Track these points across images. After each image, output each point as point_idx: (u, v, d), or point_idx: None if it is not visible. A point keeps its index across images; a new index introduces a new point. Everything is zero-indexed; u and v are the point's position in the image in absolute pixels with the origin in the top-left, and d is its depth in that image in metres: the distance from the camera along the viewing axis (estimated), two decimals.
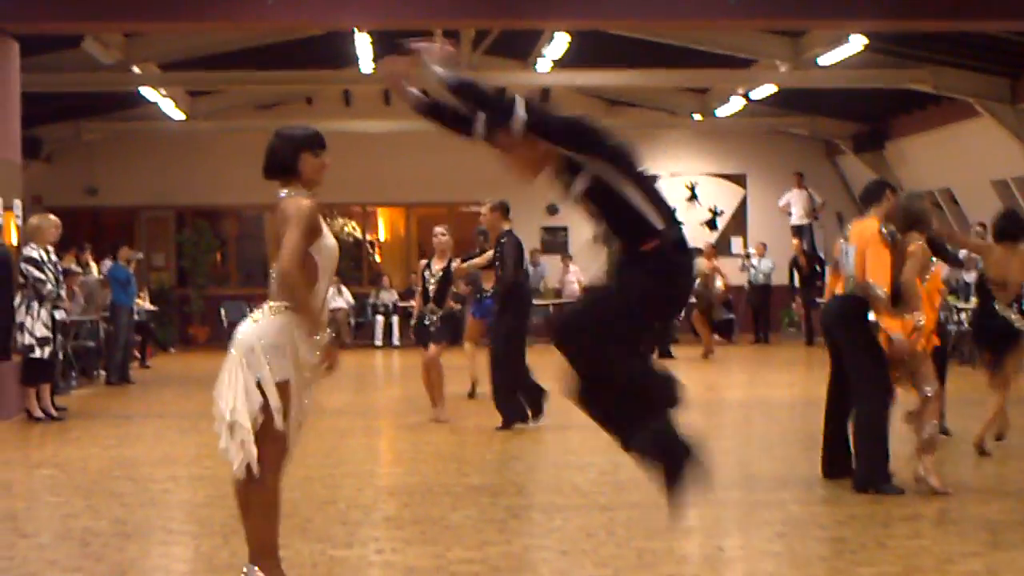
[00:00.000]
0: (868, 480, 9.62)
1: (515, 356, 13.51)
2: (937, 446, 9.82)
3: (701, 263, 24.22)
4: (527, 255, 16.88)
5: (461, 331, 15.54)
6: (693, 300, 23.71)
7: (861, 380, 9.74)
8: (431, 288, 14.14)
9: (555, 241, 29.07)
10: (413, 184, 28.10)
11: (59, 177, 27.11)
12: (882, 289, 9.49)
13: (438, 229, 14.45)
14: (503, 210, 13.89)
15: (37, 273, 14.42)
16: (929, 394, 9.61)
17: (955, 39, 19.50)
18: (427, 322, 14.08)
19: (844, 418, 10.01)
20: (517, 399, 13.45)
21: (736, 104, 25.70)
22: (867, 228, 9.83)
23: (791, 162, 28.25)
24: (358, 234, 29.74)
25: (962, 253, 19.22)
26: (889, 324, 9.52)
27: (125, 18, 16.25)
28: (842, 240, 10.13)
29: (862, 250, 9.72)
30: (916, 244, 9.67)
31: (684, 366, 22.18)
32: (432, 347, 14.01)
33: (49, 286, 14.49)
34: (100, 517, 8.96)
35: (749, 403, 16.72)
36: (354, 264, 29.12)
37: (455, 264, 14.26)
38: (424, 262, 14.65)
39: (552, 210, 28.97)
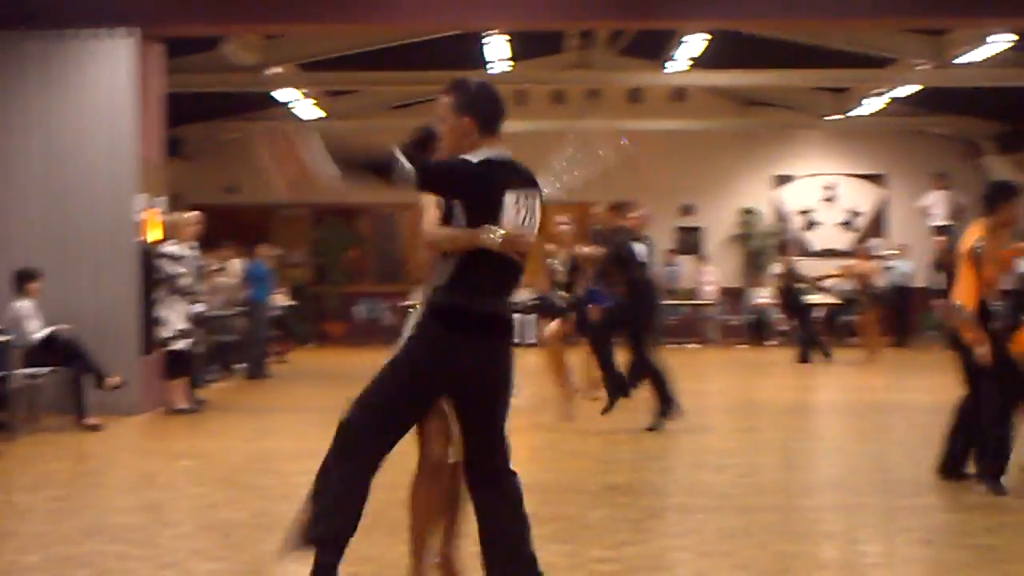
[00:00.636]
0: (981, 475, 9.64)
1: (601, 347, 13.75)
2: None
3: (855, 265, 23.96)
4: (659, 255, 16.97)
5: (586, 321, 15.15)
6: (858, 301, 23.49)
7: (986, 381, 9.69)
8: (560, 276, 14.20)
9: (689, 241, 28.90)
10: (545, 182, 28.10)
11: (199, 175, 27.58)
12: (966, 310, 9.59)
13: (560, 219, 14.44)
14: (618, 208, 13.82)
15: (173, 268, 14.72)
16: None
17: None
18: (555, 301, 14.16)
19: (968, 419, 9.93)
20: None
21: (876, 104, 25.34)
22: (966, 239, 9.83)
23: (932, 162, 27.76)
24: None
25: None
26: (973, 341, 9.57)
27: (265, 20, 16.46)
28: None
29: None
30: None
31: (831, 369, 22.02)
32: (554, 323, 14.10)
33: (186, 280, 14.78)
34: (240, 509, 9.08)
35: (889, 406, 16.45)
36: None
37: (580, 251, 14.34)
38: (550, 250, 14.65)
39: (687, 210, 28.83)
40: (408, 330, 6.11)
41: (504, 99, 5.98)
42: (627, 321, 13.65)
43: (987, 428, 9.72)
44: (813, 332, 23.09)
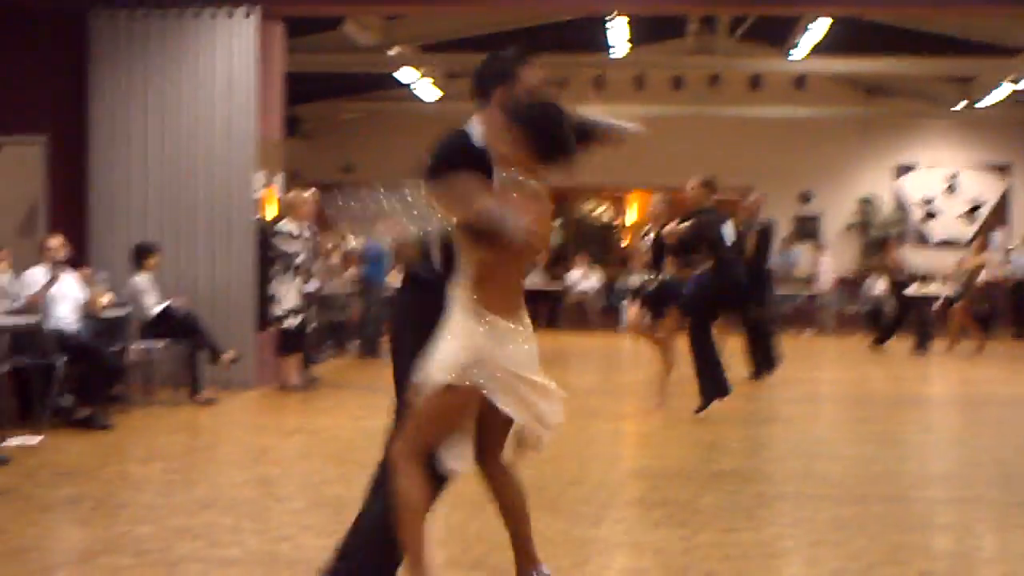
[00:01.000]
0: None
1: (698, 332, 13.01)
2: None
3: (970, 258, 23.59)
4: (777, 242, 16.75)
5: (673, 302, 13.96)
6: (957, 293, 23.17)
7: None
8: (645, 257, 13.85)
9: (807, 229, 28.64)
10: (664, 168, 27.95)
11: (316, 154, 27.82)
12: None
13: (655, 197, 14.09)
14: (709, 186, 13.25)
15: (288, 246, 14.82)
16: None
17: None
18: (643, 287, 13.86)
19: None
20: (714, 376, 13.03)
21: (1002, 93, 24.94)
22: None
23: None
24: (606, 217, 29.79)
25: None
26: None
27: (386, 1, 16.55)
28: None
29: None
30: None
31: (948, 362, 21.73)
32: (633, 308, 13.87)
33: (299, 258, 14.88)
34: (352, 486, 9.07)
35: (1008, 400, 16.18)
36: (603, 247, 29.18)
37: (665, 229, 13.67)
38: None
39: (805, 197, 28.59)
40: None
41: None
42: (710, 301, 13.13)
43: None
44: (922, 323, 22.72)
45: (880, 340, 22.61)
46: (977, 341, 22.72)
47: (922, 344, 22.22)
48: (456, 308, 5.29)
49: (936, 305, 23.43)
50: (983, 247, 24.63)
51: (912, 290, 23.25)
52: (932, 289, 24.12)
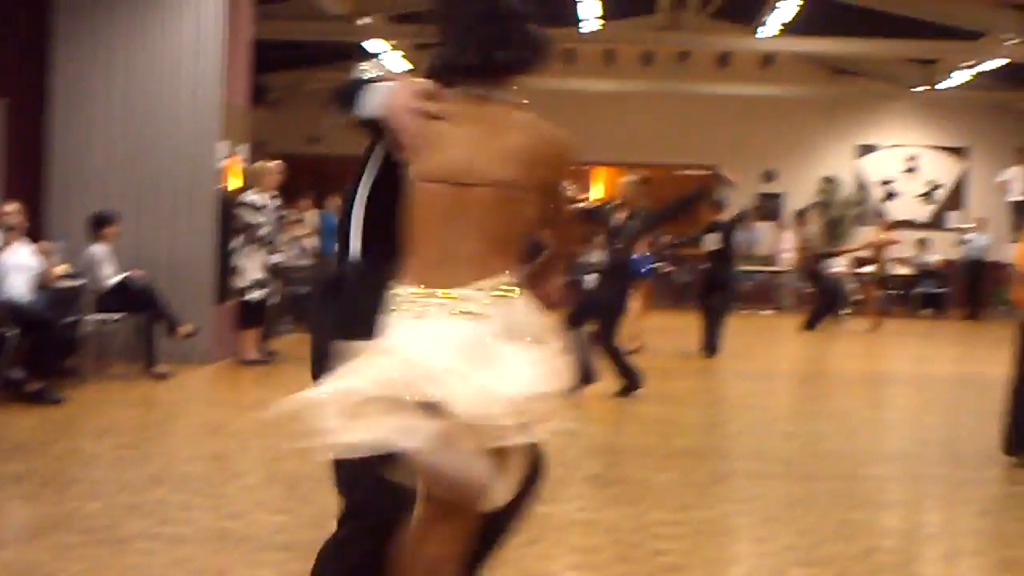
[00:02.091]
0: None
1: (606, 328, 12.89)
2: None
3: (870, 234, 23.91)
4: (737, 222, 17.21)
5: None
6: (868, 271, 23.50)
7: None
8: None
9: (770, 207, 28.75)
10: (633, 144, 28.02)
11: (283, 124, 27.68)
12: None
13: (627, 179, 13.93)
14: (646, 183, 13.28)
15: (251, 217, 14.72)
16: None
17: None
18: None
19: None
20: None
21: (962, 77, 25.17)
22: None
23: (1015, 138, 27.47)
24: (570, 193, 29.79)
25: None
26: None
27: None
28: None
29: None
30: None
31: (903, 340, 21.91)
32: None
33: (264, 230, 14.79)
34: (306, 462, 9.10)
35: (958, 379, 16.38)
36: None
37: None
38: None
39: (769, 176, 28.70)
40: None
41: None
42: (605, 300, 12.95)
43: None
44: (832, 302, 22.97)
45: (810, 324, 22.76)
46: (875, 319, 23.13)
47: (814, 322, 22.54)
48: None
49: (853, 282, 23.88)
50: (888, 226, 24.89)
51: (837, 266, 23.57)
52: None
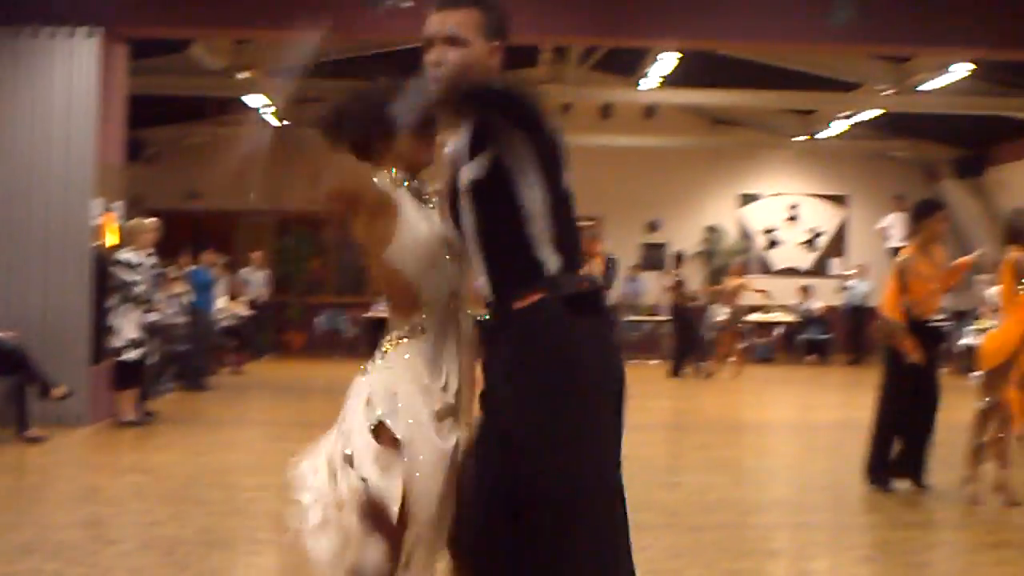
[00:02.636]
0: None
1: None
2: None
3: (728, 282, 24.20)
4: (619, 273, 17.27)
5: None
6: (724, 318, 23.79)
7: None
8: None
9: (654, 257, 28.88)
10: None
11: (161, 180, 27.32)
12: (894, 320, 10.52)
13: None
14: None
15: (127, 275, 14.44)
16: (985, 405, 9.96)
17: None
18: None
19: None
20: None
21: (840, 126, 25.65)
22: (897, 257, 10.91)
23: (893, 185, 27.94)
24: None
25: None
26: (905, 347, 10.44)
27: (235, 24, 16.29)
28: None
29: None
30: (1012, 255, 9.93)
31: (787, 387, 22.07)
32: None
33: (139, 288, 14.51)
34: (186, 525, 8.92)
35: (842, 425, 16.49)
36: None
37: None
38: None
39: (652, 226, 28.86)
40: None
41: None
42: None
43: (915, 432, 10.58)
44: (691, 346, 23.37)
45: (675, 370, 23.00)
46: (737, 365, 23.37)
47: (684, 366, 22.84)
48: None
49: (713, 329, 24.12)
50: (741, 271, 25.12)
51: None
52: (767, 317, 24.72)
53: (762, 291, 25.21)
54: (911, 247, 10.81)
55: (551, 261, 3.98)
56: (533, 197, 3.97)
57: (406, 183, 4.42)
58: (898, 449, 10.78)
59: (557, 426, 3.91)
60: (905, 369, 10.50)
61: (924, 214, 10.78)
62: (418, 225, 4.28)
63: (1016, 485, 10.15)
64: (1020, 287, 9.84)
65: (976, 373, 10.32)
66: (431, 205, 4.38)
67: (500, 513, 4.01)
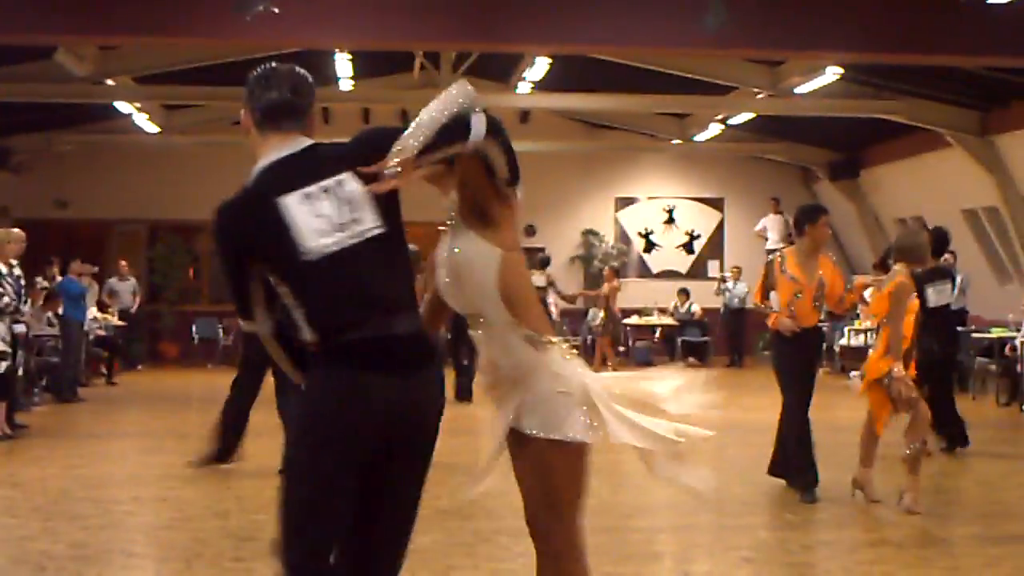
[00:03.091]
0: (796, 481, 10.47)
1: None
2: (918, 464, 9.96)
3: (604, 287, 24.37)
4: None
5: None
6: (599, 322, 24.00)
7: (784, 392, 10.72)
8: None
9: (531, 261, 28.91)
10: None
11: (28, 188, 26.84)
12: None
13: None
14: None
15: None
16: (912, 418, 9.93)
17: (928, 72, 19.72)
18: None
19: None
20: None
21: (715, 129, 25.86)
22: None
23: (768, 187, 28.33)
24: None
25: None
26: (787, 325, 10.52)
27: (101, 31, 16.04)
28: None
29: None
30: (901, 273, 9.99)
31: None
32: None
33: (5, 300, 14.19)
34: (58, 540, 8.73)
35: (722, 426, 16.51)
36: None
37: None
38: None
39: (529, 230, 28.90)
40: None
41: (295, 84, 4.76)
42: None
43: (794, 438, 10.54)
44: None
45: None
46: (614, 368, 23.47)
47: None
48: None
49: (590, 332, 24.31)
50: (612, 276, 25.31)
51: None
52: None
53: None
54: (792, 251, 10.83)
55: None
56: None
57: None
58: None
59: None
60: (793, 363, 10.59)
61: (808, 219, 10.69)
62: None
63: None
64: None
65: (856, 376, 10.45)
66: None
67: None
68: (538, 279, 25.04)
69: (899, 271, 10.05)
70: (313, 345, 4.40)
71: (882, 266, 12.96)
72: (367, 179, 4.42)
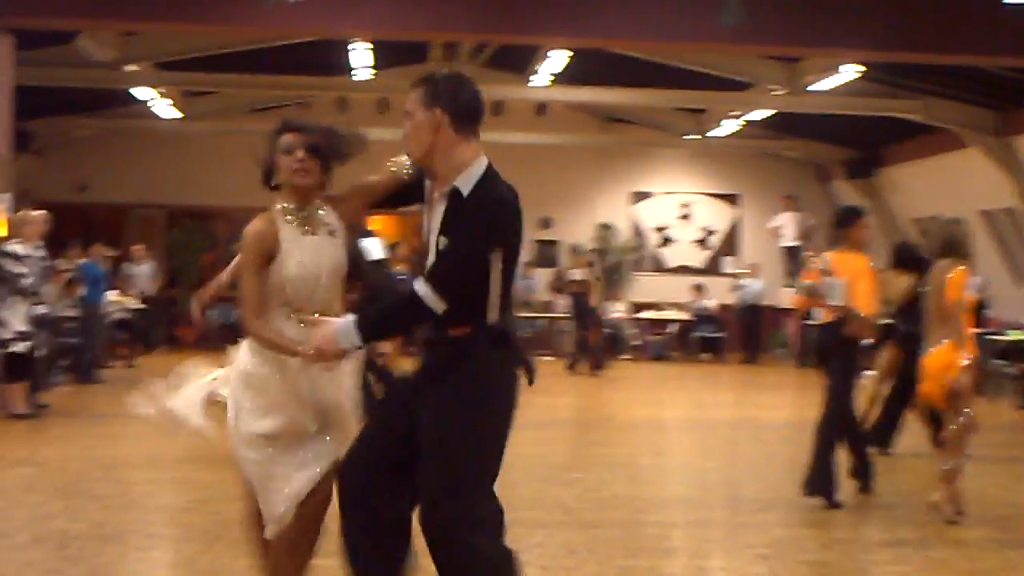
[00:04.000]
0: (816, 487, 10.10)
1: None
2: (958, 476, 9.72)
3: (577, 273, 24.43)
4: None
5: None
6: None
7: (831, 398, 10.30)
8: None
9: (547, 254, 28.98)
10: None
11: (49, 172, 26.96)
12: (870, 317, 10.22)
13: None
14: None
15: (15, 267, 14.27)
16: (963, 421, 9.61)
17: (947, 71, 19.61)
18: None
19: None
20: None
21: (731, 126, 25.83)
22: (853, 261, 10.31)
23: (784, 185, 28.33)
24: None
25: None
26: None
27: (122, 17, 16.16)
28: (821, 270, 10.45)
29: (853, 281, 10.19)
30: (958, 271, 9.62)
31: (683, 384, 22.28)
32: None
33: (28, 280, 14.33)
34: (78, 519, 8.85)
35: (737, 423, 16.67)
36: None
37: None
38: None
39: (545, 223, 28.96)
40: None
41: (482, 97, 5.36)
42: None
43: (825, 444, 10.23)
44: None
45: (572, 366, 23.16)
46: (593, 362, 23.46)
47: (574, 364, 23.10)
48: None
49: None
50: (588, 264, 25.29)
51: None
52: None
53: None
54: (837, 252, 10.50)
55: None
56: None
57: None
58: (848, 455, 10.60)
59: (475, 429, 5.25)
60: (855, 372, 10.46)
61: (846, 222, 10.60)
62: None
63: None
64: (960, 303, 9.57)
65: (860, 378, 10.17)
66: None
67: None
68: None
69: (948, 265, 9.67)
70: (479, 328, 5.15)
71: (902, 266, 12.88)
72: None
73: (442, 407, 5.14)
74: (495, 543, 5.20)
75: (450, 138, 5.16)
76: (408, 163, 5.42)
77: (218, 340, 23.70)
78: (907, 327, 11.81)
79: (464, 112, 5.19)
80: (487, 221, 5.13)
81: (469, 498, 5.13)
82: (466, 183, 5.16)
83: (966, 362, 9.45)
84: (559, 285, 25.48)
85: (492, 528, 5.22)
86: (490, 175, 5.22)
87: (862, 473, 10.57)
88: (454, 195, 5.17)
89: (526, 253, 27.63)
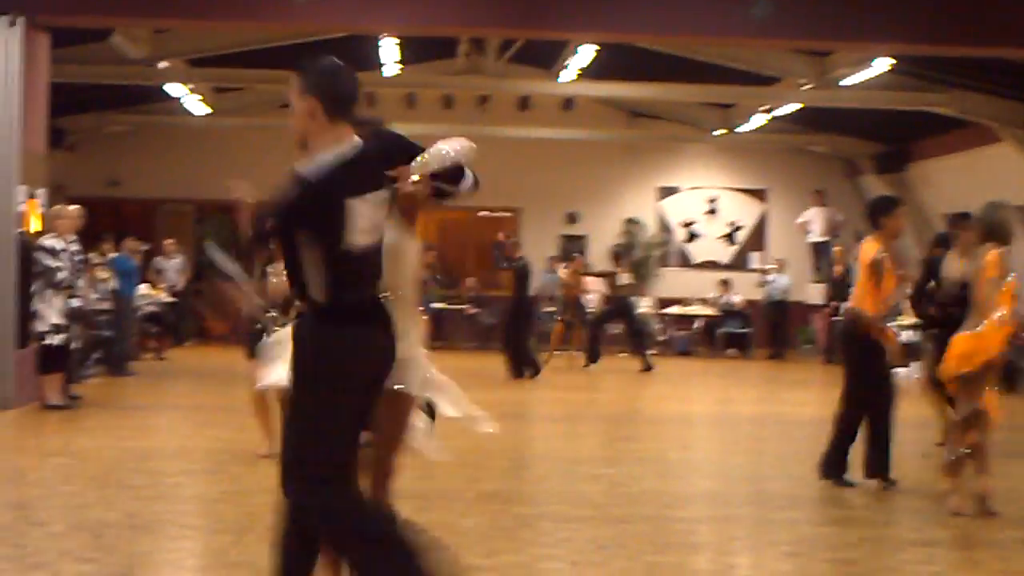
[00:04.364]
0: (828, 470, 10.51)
1: None
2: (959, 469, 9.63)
3: (563, 274, 24.56)
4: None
5: None
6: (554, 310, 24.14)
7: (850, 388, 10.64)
8: None
9: (573, 249, 29.00)
10: None
11: (81, 167, 27.17)
12: (870, 314, 10.31)
13: None
14: None
15: (50, 261, 14.43)
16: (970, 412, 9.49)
17: (978, 64, 19.50)
18: None
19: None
20: None
21: (759, 120, 25.78)
22: (866, 252, 10.46)
23: (812, 180, 28.26)
24: None
25: None
26: (885, 339, 10.46)
27: (155, 14, 16.31)
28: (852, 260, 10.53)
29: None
30: (993, 253, 9.51)
31: (709, 380, 22.32)
32: None
33: (62, 274, 14.51)
34: (113, 509, 9.00)
35: (763, 419, 16.68)
36: None
37: None
38: None
39: (572, 218, 29.03)
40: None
41: (357, 81, 5.66)
42: None
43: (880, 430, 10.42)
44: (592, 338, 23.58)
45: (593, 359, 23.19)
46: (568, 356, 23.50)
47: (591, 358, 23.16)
48: None
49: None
50: (579, 266, 25.30)
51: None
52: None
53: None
54: (877, 242, 10.49)
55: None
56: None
57: None
58: (865, 448, 10.60)
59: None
60: (872, 365, 10.44)
61: (884, 211, 10.61)
62: None
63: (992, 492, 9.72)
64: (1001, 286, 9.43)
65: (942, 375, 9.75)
66: None
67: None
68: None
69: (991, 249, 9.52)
70: (316, 303, 5.41)
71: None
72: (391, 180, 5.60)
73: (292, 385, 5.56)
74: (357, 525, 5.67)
75: (323, 124, 5.47)
76: (424, 161, 5.71)
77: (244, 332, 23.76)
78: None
79: (336, 99, 5.49)
80: (288, 202, 5.39)
81: (312, 482, 5.45)
82: (308, 165, 5.42)
83: (989, 354, 9.34)
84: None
85: (349, 516, 5.61)
86: (340, 159, 5.41)
87: (881, 467, 10.51)
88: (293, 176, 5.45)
89: (552, 247, 27.88)
